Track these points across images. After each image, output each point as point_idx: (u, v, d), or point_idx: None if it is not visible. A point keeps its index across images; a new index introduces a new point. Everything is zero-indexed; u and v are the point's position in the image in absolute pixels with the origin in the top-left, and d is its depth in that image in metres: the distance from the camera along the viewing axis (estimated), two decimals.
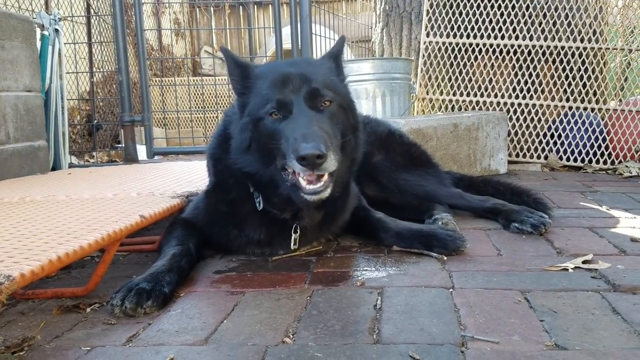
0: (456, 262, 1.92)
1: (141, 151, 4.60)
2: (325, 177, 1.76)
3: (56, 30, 3.85)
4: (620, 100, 4.30)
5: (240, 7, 9.31)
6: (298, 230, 2.02)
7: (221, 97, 6.97)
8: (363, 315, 1.48)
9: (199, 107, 7.03)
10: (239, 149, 1.92)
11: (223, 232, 2.06)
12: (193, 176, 2.74)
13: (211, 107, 7.17)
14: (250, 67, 1.98)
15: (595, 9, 4.24)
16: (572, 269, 1.81)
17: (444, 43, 4.27)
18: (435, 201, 2.50)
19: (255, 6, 9.46)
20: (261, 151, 1.87)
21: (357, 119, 2.04)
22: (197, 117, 7.05)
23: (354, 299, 1.60)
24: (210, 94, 7.34)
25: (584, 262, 1.86)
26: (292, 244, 2.02)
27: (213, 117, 7.10)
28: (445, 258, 1.95)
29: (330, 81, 1.94)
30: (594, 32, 4.24)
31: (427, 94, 4.29)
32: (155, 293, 1.58)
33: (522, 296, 1.58)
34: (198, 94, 7.21)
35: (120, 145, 6.23)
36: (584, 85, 4.24)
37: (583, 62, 4.23)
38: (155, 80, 7.42)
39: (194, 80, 7.67)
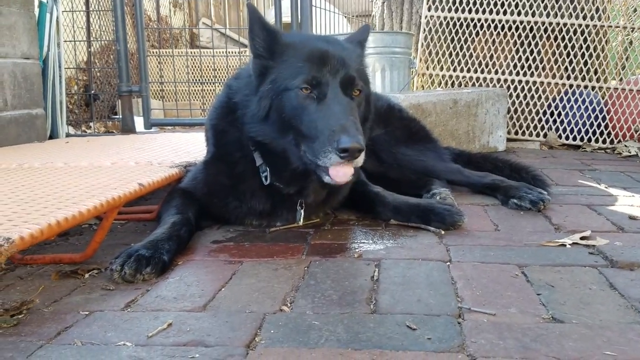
0: (454, 236, 1.92)
1: (138, 123, 4.58)
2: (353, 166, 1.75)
3: None
4: (621, 79, 4.28)
5: None
6: (304, 205, 2.01)
7: (219, 69, 6.92)
8: (360, 286, 1.48)
9: (196, 80, 6.98)
10: (254, 117, 1.87)
11: (222, 203, 2.04)
12: (191, 147, 2.72)
13: (209, 79, 7.11)
14: (279, 33, 1.90)
15: None
16: (569, 244, 1.82)
17: (445, 17, 4.24)
18: (433, 176, 2.49)
19: None
20: (280, 123, 1.83)
21: (372, 109, 2.05)
22: (195, 90, 7.01)
23: (351, 270, 1.61)
24: (208, 66, 7.28)
25: (582, 238, 1.87)
26: (299, 219, 2.02)
27: (211, 89, 7.06)
28: (442, 232, 1.95)
29: (362, 70, 1.94)
30: (597, 10, 4.21)
31: (427, 69, 4.27)
32: (154, 260, 1.58)
33: (519, 270, 1.59)
34: (196, 66, 7.16)
35: (117, 116, 6.20)
36: (585, 64, 4.22)
37: (585, 40, 4.21)
38: (153, 52, 7.35)
39: (192, 52, 7.61)
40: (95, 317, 1.32)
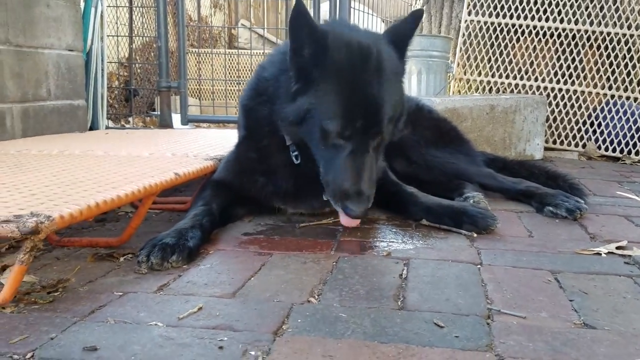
0: (485, 240, 1.90)
1: (175, 119, 4.65)
2: None
3: None
4: None
5: None
6: None
7: (247, 69, 6.97)
8: (388, 283, 1.49)
9: (234, 79, 7.05)
10: (286, 106, 1.82)
11: (251, 180, 2.03)
12: (226, 142, 2.74)
13: (246, 79, 7.17)
14: (329, 45, 1.73)
15: None
16: (605, 253, 1.79)
17: (485, 22, 4.20)
18: (465, 179, 2.46)
19: None
20: (308, 135, 1.81)
21: (405, 110, 1.95)
22: (232, 89, 7.07)
23: (379, 268, 1.61)
24: (245, 66, 7.33)
25: (618, 247, 1.83)
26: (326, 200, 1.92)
27: None
28: (474, 235, 1.93)
29: (398, 101, 1.83)
30: None
31: (465, 74, 4.24)
32: (179, 247, 1.59)
33: (552, 276, 1.57)
34: (234, 66, 7.23)
35: (155, 112, 6.29)
36: (628, 74, 4.14)
37: (629, 50, 4.13)
38: (192, 51, 7.45)
39: (230, 52, 7.69)
40: (128, 298, 1.35)
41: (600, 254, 1.78)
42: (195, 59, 7.18)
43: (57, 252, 1.70)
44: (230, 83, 6.92)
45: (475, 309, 1.33)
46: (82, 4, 3.70)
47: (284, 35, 8.82)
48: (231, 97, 6.96)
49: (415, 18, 1.91)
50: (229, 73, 7.11)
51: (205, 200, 1.95)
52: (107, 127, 4.12)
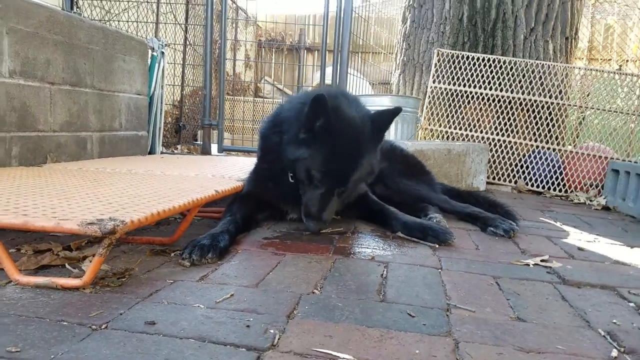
0: (444, 250, 1.89)
1: (213, 148, 4.64)
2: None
3: (162, 53, 3.90)
4: (575, 144, 4.21)
5: (294, 50, 9.36)
6: None
7: (269, 112, 7.00)
8: (372, 281, 1.47)
9: (258, 120, 7.06)
10: (289, 146, 1.90)
11: (264, 186, 2.07)
12: (251, 167, 2.74)
13: None
14: (332, 122, 1.79)
15: (562, 74, 4.16)
16: (532, 265, 1.78)
17: (445, 89, 4.23)
18: (427, 202, 2.44)
19: (306, 50, 9.50)
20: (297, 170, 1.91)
21: (375, 172, 2.03)
22: (256, 127, 7.09)
23: (366, 268, 1.60)
24: (267, 111, 7.36)
25: (542, 260, 1.82)
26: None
27: None
28: (437, 246, 1.92)
29: (366, 168, 1.91)
30: (560, 91, 4.16)
31: (429, 125, 4.24)
32: (213, 247, 1.58)
33: (493, 280, 1.56)
34: (259, 110, 7.25)
35: (197, 142, 6.30)
36: (549, 131, 4.17)
37: (550, 113, 4.16)
38: (228, 97, 7.48)
39: (256, 100, 7.72)
40: (177, 285, 1.33)
41: (529, 265, 1.77)
42: (230, 103, 7.19)
43: (123, 247, 1.68)
44: (256, 122, 6.93)
45: (438, 304, 1.32)
46: (149, 60, 3.72)
47: (295, 89, 8.90)
48: (256, 133, 6.98)
49: (394, 113, 1.98)
50: (255, 115, 7.12)
51: (231, 212, 1.94)
52: (162, 152, 4.11)
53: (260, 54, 9.50)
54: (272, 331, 1.07)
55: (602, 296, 1.48)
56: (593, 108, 4.10)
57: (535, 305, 1.36)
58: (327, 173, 1.81)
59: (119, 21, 4.65)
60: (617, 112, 4.00)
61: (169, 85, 5.04)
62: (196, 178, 2.16)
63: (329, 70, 4.54)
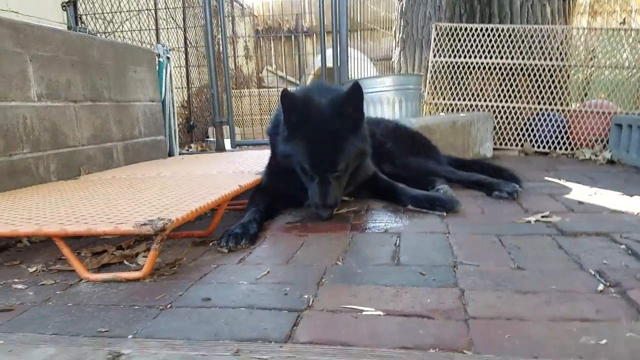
0: (452, 217, 2.08)
1: (226, 143, 4.88)
2: None
3: (167, 58, 4.13)
4: (583, 103, 4.34)
5: (293, 36, 9.51)
6: None
7: (275, 102, 7.17)
8: (387, 250, 1.67)
9: (265, 111, 7.27)
10: (281, 145, 2.13)
11: (278, 180, 2.27)
12: (265, 160, 2.93)
13: (273, 110, 7.39)
14: (306, 113, 2.01)
15: (562, 36, 4.28)
16: (533, 221, 1.95)
17: (446, 62, 4.38)
18: (434, 175, 2.61)
19: (304, 35, 9.64)
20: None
21: (366, 152, 2.18)
22: (265, 118, 7.30)
23: (381, 240, 1.80)
24: (273, 101, 7.54)
25: (543, 216, 1.99)
26: None
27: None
28: (445, 214, 2.11)
29: (350, 150, 2.06)
30: (560, 53, 4.28)
31: (433, 99, 4.41)
32: (245, 234, 1.81)
33: (497, 238, 1.75)
34: (264, 101, 7.45)
35: (209, 139, 6.55)
36: (552, 93, 4.30)
37: (552, 76, 4.28)
38: (234, 92, 7.68)
39: (260, 93, 7.92)
40: (221, 269, 1.56)
41: (530, 222, 1.94)
42: (235, 98, 7.41)
43: (168, 242, 1.91)
44: (262, 114, 7.14)
45: (445, 262, 1.52)
46: (157, 67, 3.94)
47: (296, 73, 9.06)
48: (263, 124, 7.20)
49: (355, 90, 2.03)
50: (262, 107, 7.34)
51: (255, 204, 2.16)
52: (180, 153, 4.36)
53: (259, 44, 9.67)
54: (306, 296, 1.31)
55: (596, 242, 1.67)
56: (600, 67, 4.21)
57: (534, 256, 1.55)
58: (313, 163, 2.01)
59: (122, 31, 4.89)
60: (621, 67, 4.11)
61: (177, 88, 5.25)
62: (219, 175, 2.40)
63: (329, 52, 4.70)
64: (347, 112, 2.05)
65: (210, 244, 1.85)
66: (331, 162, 2.02)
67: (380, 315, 1.19)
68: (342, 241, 1.81)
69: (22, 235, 1.49)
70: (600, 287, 1.31)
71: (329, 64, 4.75)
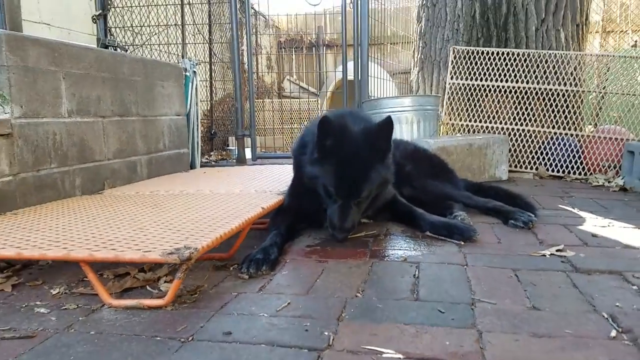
0: (469, 247, 2.04)
1: (247, 153, 4.89)
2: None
3: (194, 72, 4.15)
4: (596, 127, 4.26)
5: (314, 47, 9.53)
6: None
7: (296, 112, 7.17)
8: (406, 282, 1.65)
9: (286, 120, 7.26)
10: (308, 166, 2.12)
11: (301, 200, 2.26)
12: (287, 177, 2.91)
13: (293, 120, 7.38)
14: (340, 140, 2.01)
15: (575, 62, 4.21)
16: (548, 255, 1.91)
17: (463, 84, 4.34)
18: (451, 200, 2.57)
19: (325, 47, 9.66)
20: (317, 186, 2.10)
21: (389, 180, 2.18)
22: (285, 127, 7.30)
23: (400, 270, 1.77)
24: (295, 110, 7.51)
25: (557, 250, 1.95)
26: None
27: (296, 127, 7.32)
28: (462, 243, 2.08)
29: (375, 179, 2.06)
30: (574, 78, 4.21)
31: (450, 120, 4.36)
32: (266, 260, 1.79)
33: (513, 273, 1.71)
34: (286, 108, 7.43)
35: (229, 148, 6.58)
36: (565, 117, 4.23)
37: (565, 100, 4.22)
38: (256, 101, 7.70)
39: (279, 102, 7.92)
40: (241, 297, 1.54)
41: (546, 255, 1.90)
42: (258, 107, 7.43)
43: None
44: (284, 123, 7.14)
45: (464, 299, 1.49)
46: (183, 82, 3.96)
47: (316, 85, 9.06)
48: (285, 133, 7.18)
49: (388, 123, 2.05)
50: (283, 117, 7.33)
51: (276, 225, 2.15)
52: (201, 164, 4.36)
53: (281, 55, 9.70)
54: (326, 333, 1.28)
55: (609, 281, 1.64)
56: (613, 93, 4.14)
57: (549, 294, 1.51)
58: (339, 187, 2.00)
59: (150, 44, 4.93)
60: (632, 94, 4.03)
61: (201, 100, 5.28)
62: (241, 195, 2.38)
63: (350, 65, 4.71)
64: (378, 143, 2.06)
65: (231, 268, 1.83)
66: (356, 188, 2.02)
67: (400, 358, 1.16)
68: (361, 270, 1.78)
69: (50, 259, 1.48)
70: (613, 333, 1.28)
71: (350, 76, 4.77)
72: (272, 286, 1.64)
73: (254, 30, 8.16)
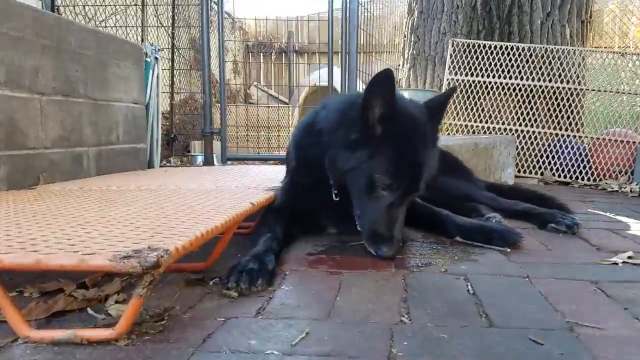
0: (516, 254, 1.64)
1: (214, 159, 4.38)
2: None
3: (156, 58, 3.64)
4: (596, 131, 4.01)
5: (284, 53, 9.13)
6: None
7: (264, 119, 6.70)
8: (461, 299, 1.22)
9: (252, 126, 6.76)
10: (339, 152, 1.59)
11: (302, 202, 1.80)
12: (269, 176, 2.46)
13: (260, 128, 6.90)
14: (397, 110, 1.51)
15: (579, 58, 3.97)
16: (620, 263, 1.55)
17: (462, 80, 4.02)
18: (472, 201, 2.20)
19: (295, 53, 9.28)
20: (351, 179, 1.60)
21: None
22: (250, 134, 6.79)
23: (444, 284, 1.35)
24: (262, 116, 7.02)
25: (629, 257, 1.59)
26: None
27: (263, 135, 6.84)
28: (508, 250, 1.67)
29: (434, 167, 1.66)
30: (577, 76, 3.97)
31: (448, 119, 4.03)
32: (262, 272, 1.31)
33: (594, 286, 1.33)
34: (254, 116, 6.94)
35: (190, 153, 6.05)
36: (568, 118, 3.96)
37: (568, 99, 3.97)
38: (218, 105, 7.21)
39: (244, 108, 7.42)
40: (232, 324, 1.06)
41: (617, 264, 1.54)
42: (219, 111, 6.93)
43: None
44: (249, 129, 6.65)
45: (556, 323, 1.08)
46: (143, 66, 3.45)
47: (286, 93, 8.63)
48: (250, 140, 6.70)
49: (448, 96, 1.76)
50: (249, 121, 6.82)
51: (269, 226, 1.68)
52: (161, 166, 3.82)
53: (248, 58, 9.24)
54: None
55: None
56: (619, 92, 3.91)
57: None
58: (397, 177, 1.50)
59: (105, 27, 4.37)
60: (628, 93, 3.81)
61: (163, 92, 4.76)
62: (219, 190, 1.89)
63: (323, 72, 4.33)
64: (434, 119, 1.64)
65: (211, 282, 1.33)
66: (419, 178, 1.56)
67: None
68: (392, 284, 1.34)
69: None
70: None
71: (324, 82, 4.39)
72: (275, 307, 1.16)
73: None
